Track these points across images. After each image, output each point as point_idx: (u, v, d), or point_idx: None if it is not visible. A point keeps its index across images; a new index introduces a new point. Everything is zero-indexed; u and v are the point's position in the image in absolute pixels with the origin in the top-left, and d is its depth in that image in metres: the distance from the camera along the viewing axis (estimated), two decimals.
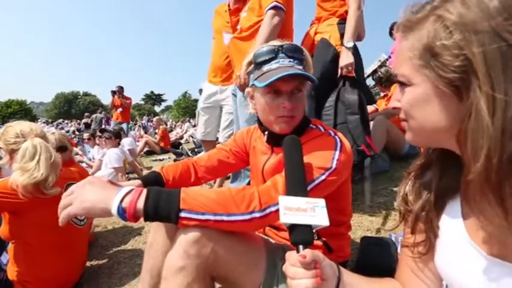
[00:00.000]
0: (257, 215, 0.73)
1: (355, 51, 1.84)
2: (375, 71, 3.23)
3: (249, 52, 0.98)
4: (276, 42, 0.92)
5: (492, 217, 0.46)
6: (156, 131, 7.86)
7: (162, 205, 0.70)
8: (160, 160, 5.69)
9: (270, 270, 0.78)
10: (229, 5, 2.52)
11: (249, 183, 2.03)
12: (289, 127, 0.93)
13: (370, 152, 1.78)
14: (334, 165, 0.83)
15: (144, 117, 19.58)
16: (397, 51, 0.51)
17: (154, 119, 9.48)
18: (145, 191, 0.72)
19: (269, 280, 0.77)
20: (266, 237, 0.99)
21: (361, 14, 1.87)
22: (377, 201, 2.00)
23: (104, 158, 3.67)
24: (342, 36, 1.87)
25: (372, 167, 2.45)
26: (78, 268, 1.56)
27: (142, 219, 0.71)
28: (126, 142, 4.57)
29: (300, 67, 0.90)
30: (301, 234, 0.58)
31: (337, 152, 0.85)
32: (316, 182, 0.80)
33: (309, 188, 0.78)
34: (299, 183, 0.69)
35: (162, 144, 6.46)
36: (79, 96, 60.65)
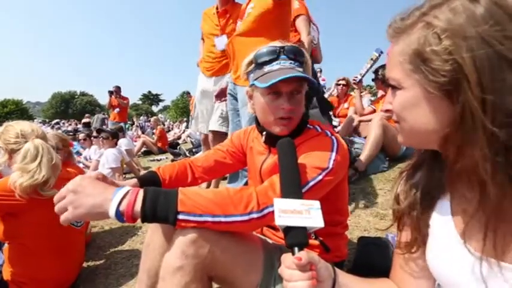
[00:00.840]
0: (255, 215, 0.73)
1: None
2: (375, 72, 3.25)
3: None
4: (277, 43, 0.92)
5: (483, 216, 0.46)
6: (154, 131, 7.83)
7: (159, 208, 0.70)
8: (157, 160, 5.67)
9: (267, 271, 0.78)
10: (217, 8, 2.54)
11: (246, 184, 2.03)
12: (287, 129, 0.94)
13: None
14: (330, 166, 0.83)
15: (141, 117, 19.53)
16: (389, 55, 0.53)
17: (152, 119, 9.45)
18: (141, 192, 0.71)
19: (266, 280, 0.77)
20: (264, 238, 0.99)
21: (311, 39, 2.20)
22: (374, 201, 2.01)
23: (101, 158, 3.66)
24: None
25: (370, 168, 2.48)
26: (74, 269, 1.56)
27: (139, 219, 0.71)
28: (123, 143, 4.55)
29: (301, 69, 0.91)
30: (296, 237, 0.58)
31: (334, 152, 0.86)
32: (313, 182, 0.81)
33: (305, 188, 0.79)
34: (294, 185, 0.69)
35: (159, 145, 6.44)
36: (76, 96, 60.40)
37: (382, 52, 2.97)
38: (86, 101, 59.41)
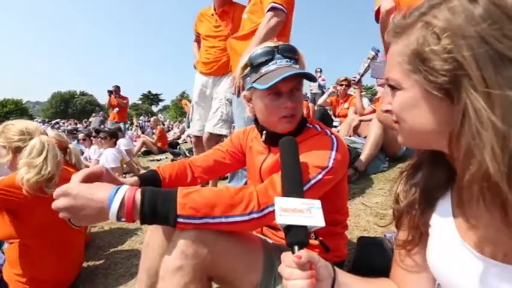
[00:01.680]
0: (255, 215, 0.73)
1: None
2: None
3: (242, 54, 0.97)
4: (271, 43, 0.93)
5: (484, 217, 0.46)
6: (154, 131, 7.83)
7: (158, 212, 0.69)
8: (157, 160, 5.68)
9: (267, 271, 0.78)
10: (214, 9, 2.50)
11: (246, 183, 2.03)
12: (292, 125, 0.94)
13: None
14: (330, 164, 0.83)
15: (141, 117, 19.52)
16: (389, 55, 0.53)
17: (152, 119, 9.45)
18: (139, 196, 0.69)
19: (266, 280, 0.77)
20: (264, 238, 0.99)
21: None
22: (374, 201, 2.01)
23: (101, 158, 3.66)
24: None
25: (370, 168, 2.48)
26: (74, 269, 1.55)
27: None
28: (122, 143, 4.54)
29: (297, 66, 0.91)
30: (296, 235, 0.58)
31: (334, 151, 0.86)
32: (313, 181, 0.81)
33: (305, 187, 0.78)
34: (295, 184, 0.69)
35: (159, 144, 6.44)
36: (76, 96, 60.37)
37: (378, 51, 2.99)
38: (85, 100, 59.35)
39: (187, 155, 4.97)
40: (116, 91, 7.04)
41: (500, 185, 0.40)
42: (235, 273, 0.77)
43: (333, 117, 4.76)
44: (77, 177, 0.77)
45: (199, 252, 0.70)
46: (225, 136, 2.45)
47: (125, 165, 3.99)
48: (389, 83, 0.52)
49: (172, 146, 6.15)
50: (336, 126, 4.24)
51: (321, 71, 8.81)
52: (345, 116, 4.21)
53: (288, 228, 0.59)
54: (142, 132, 9.41)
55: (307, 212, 0.60)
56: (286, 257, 0.56)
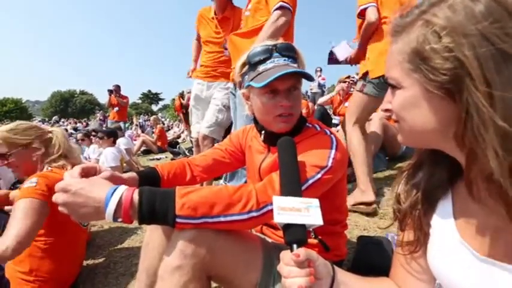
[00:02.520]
0: (254, 214, 0.73)
1: None
2: None
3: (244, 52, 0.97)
4: (269, 42, 0.92)
5: (485, 217, 0.46)
6: (154, 130, 7.83)
7: (157, 212, 0.69)
8: (157, 159, 5.68)
9: (266, 270, 0.78)
10: (215, 13, 2.47)
11: (245, 183, 2.02)
12: (288, 125, 0.93)
13: None
14: (330, 164, 0.83)
15: (141, 116, 19.51)
16: (388, 54, 0.52)
17: (152, 118, 9.45)
18: (137, 196, 0.69)
19: (265, 279, 0.77)
20: (263, 237, 0.99)
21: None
22: None
23: (101, 157, 3.66)
24: None
25: None
26: (76, 267, 1.55)
27: None
28: (121, 142, 4.54)
29: (295, 65, 0.91)
30: (295, 234, 0.58)
31: (333, 151, 0.86)
32: (312, 180, 0.81)
33: (304, 186, 0.78)
34: (293, 183, 0.69)
35: (159, 144, 6.44)
36: (75, 95, 60.36)
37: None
38: (85, 99, 59.37)
39: (187, 154, 4.97)
40: (116, 90, 7.03)
41: (502, 184, 0.39)
42: (235, 272, 0.77)
43: (333, 116, 4.76)
44: (73, 172, 0.77)
45: (198, 251, 0.70)
46: (217, 140, 2.45)
47: (124, 164, 3.99)
48: (389, 82, 0.52)
49: (172, 145, 6.15)
50: (336, 125, 4.24)
51: (321, 70, 8.79)
52: (345, 114, 4.21)
53: (287, 227, 0.59)
54: (142, 132, 9.41)
55: (305, 211, 0.60)
56: (285, 255, 0.56)
